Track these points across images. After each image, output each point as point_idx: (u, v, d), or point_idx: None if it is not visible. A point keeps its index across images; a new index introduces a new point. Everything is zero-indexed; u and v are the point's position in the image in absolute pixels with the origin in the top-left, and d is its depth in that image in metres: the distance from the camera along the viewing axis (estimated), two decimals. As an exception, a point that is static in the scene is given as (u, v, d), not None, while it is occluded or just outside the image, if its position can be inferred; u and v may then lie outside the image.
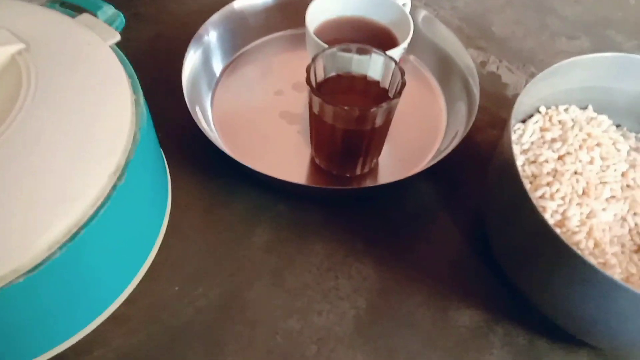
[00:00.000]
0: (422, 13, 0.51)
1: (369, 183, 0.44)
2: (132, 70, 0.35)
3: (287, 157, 0.44)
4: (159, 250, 0.38)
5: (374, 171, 0.45)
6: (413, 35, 0.44)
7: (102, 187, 0.29)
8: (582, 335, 0.35)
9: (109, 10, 0.39)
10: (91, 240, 0.29)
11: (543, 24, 0.58)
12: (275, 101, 0.48)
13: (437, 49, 0.50)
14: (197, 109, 0.45)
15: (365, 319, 0.37)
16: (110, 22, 0.38)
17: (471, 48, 0.54)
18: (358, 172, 0.44)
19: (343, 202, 0.43)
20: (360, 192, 0.42)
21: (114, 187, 0.29)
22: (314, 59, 0.39)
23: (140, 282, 0.37)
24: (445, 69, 0.49)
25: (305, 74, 0.37)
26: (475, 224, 0.42)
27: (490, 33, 0.56)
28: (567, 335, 0.35)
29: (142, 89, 0.35)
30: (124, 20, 0.39)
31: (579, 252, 0.30)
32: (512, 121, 0.39)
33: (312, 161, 0.45)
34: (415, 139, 0.46)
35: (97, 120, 0.31)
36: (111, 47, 0.36)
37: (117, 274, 0.35)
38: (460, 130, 0.44)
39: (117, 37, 0.36)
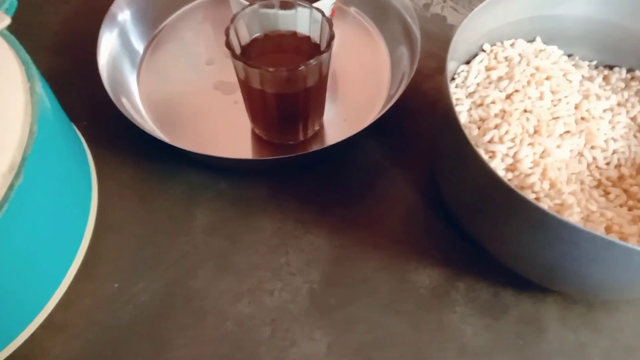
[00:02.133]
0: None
1: (314, 148, 0.41)
2: (27, 56, 0.32)
3: (224, 131, 0.41)
4: (90, 247, 0.35)
5: (319, 134, 0.42)
6: None
7: (-5, 190, 0.26)
8: (547, 283, 0.33)
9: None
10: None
11: (488, -43, 0.54)
12: (207, 72, 0.44)
13: (376, -5, 0.47)
14: (121, 93, 0.41)
15: (320, 292, 0.35)
16: (-2, 4, 0.34)
17: (413, -10, 0.50)
18: (301, 138, 0.41)
19: (289, 172, 0.40)
20: (304, 159, 0.39)
21: (10, 186, 0.26)
22: (232, 20, 0.35)
23: (74, 283, 0.34)
24: (384, 16, 0.46)
25: (224, 38, 0.34)
26: (428, 177, 0.40)
27: (432, -28, 0.52)
28: (532, 284, 0.34)
29: (51, 77, 0.31)
30: (15, 1, 0.35)
31: (529, 197, 0.28)
32: (452, 63, 0.36)
33: (253, 132, 0.42)
34: (360, 94, 0.43)
35: (-17, 115, 0.27)
36: (0, 33, 0.32)
37: (42, 277, 0.32)
38: (405, 78, 0.41)
39: (7, 21, 0.33)
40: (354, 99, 0.43)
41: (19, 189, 0.27)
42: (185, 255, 0.36)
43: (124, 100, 0.41)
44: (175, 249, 0.36)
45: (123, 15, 0.44)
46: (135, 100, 0.42)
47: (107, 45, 0.42)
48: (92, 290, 0.34)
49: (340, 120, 0.42)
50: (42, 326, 0.33)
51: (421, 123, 0.42)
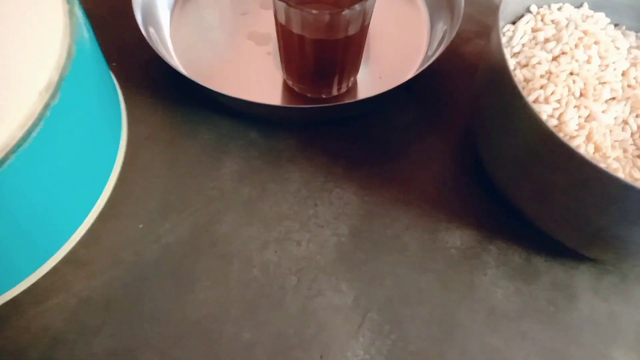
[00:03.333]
0: None
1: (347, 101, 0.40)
2: (66, -21, 0.31)
3: (256, 81, 0.40)
4: (117, 185, 0.35)
5: (352, 91, 0.41)
6: None
7: (31, 107, 0.25)
8: (584, 249, 0.32)
9: None
10: (25, 168, 0.25)
11: None
12: (241, 22, 0.43)
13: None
14: (154, 33, 0.40)
15: (348, 246, 0.34)
16: None
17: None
18: (335, 92, 0.40)
19: (320, 125, 0.39)
20: (337, 111, 0.38)
21: (46, 105, 0.25)
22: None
23: (99, 220, 0.34)
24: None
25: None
26: (464, 139, 0.39)
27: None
28: (566, 251, 0.33)
29: (90, 13, 0.30)
30: None
31: (579, 151, 0.27)
32: (501, 23, 0.35)
33: (285, 84, 0.41)
34: (397, 54, 0.42)
35: (22, 31, 0.26)
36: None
37: (66, 211, 0.31)
38: (445, 39, 0.40)
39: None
40: (390, 58, 0.42)
41: (53, 109, 0.26)
42: (212, 200, 0.35)
43: (156, 39, 0.40)
44: (202, 194, 0.35)
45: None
46: (167, 43, 0.41)
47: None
48: (117, 229, 0.34)
49: (375, 77, 0.41)
50: (65, 260, 0.32)
51: (458, 86, 0.41)
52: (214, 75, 0.40)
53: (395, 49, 0.43)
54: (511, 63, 0.35)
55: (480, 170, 0.36)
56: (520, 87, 0.33)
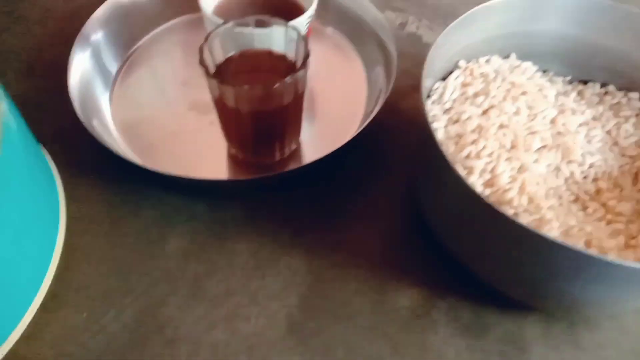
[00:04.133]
0: (333, -21, 0.47)
1: (292, 166, 0.40)
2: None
3: (200, 152, 0.40)
4: (57, 273, 0.34)
5: (296, 153, 0.41)
6: (329, 5, 0.41)
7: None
8: (529, 301, 0.33)
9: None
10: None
11: (461, -24, 0.55)
12: (182, 93, 0.44)
13: (353, 15, 0.47)
14: (93, 115, 0.40)
15: (298, 317, 0.33)
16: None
17: (388, 10, 0.51)
18: (277, 157, 0.40)
19: (266, 192, 0.39)
20: (280, 178, 0.38)
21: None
22: (207, 38, 0.35)
23: (40, 313, 0.33)
24: (360, 35, 0.46)
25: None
26: (407, 195, 0.39)
27: (407, -9, 0.53)
28: (514, 302, 0.33)
29: (22, 99, 0.30)
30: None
31: (508, 213, 0.27)
32: (428, 80, 0.36)
33: (229, 153, 0.41)
34: (338, 113, 0.43)
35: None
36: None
37: (3, 306, 0.30)
38: (381, 96, 0.41)
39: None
40: (331, 118, 0.43)
41: (-22, 215, 0.25)
42: (157, 281, 0.34)
43: (95, 122, 0.40)
44: (147, 275, 0.35)
45: (96, 36, 0.43)
46: (108, 123, 0.41)
47: (79, 67, 0.41)
48: (60, 320, 0.33)
49: (318, 138, 0.42)
50: (5, 359, 0.31)
51: (399, 141, 0.42)
52: (157, 150, 0.40)
53: (336, 109, 0.43)
54: (443, 119, 0.36)
55: (425, 227, 0.37)
56: (450, 146, 0.34)
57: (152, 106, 0.43)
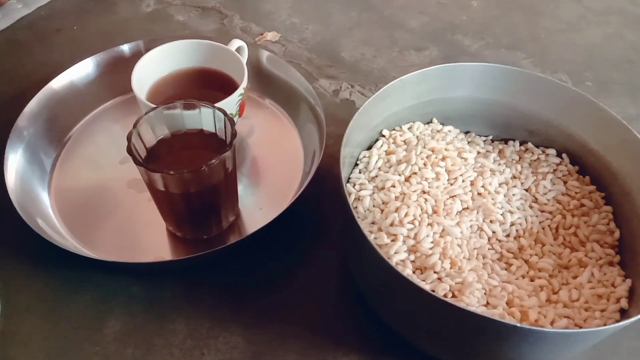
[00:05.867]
0: (265, 54, 0.50)
1: (230, 240, 0.41)
2: None
3: (138, 231, 0.41)
4: (-10, 370, 0.34)
5: (234, 225, 0.42)
6: (264, 79, 0.42)
7: None
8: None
9: None
10: None
11: (392, 40, 0.58)
12: (120, 171, 0.44)
13: (287, 87, 0.49)
14: (30, 205, 0.40)
15: (237, 394, 0.34)
16: None
17: (322, 78, 0.53)
18: (215, 231, 0.41)
19: (204, 267, 0.40)
20: (214, 254, 0.39)
21: None
22: (135, 125, 0.36)
23: (-30, 414, 0.32)
24: (296, 106, 0.48)
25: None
26: (342, 261, 0.40)
27: (340, 59, 0.55)
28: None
29: None
30: None
31: (421, 284, 0.28)
32: (356, 150, 0.38)
33: (167, 229, 0.41)
34: (276, 182, 0.44)
35: None
36: None
37: None
38: (315, 161, 0.43)
39: None
40: (269, 187, 0.44)
41: None
42: (95, 367, 0.34)
43: (33, 212, 0.40)
44: (85, 362, 0.35)
45: (29, 130, 0.44)
46: (46, 209, 0.42)
47: (14, 163, 0.42)
48: (-8, 418, 0.32)
49: (257, 208, 0.43)
50: None
51: (334, 207, 0.43)
52: (96, 232, 0.41)
53: (274, 177, 0.45)
54: (369, 187, 0.37)
55: (360, 294, 0.37)
56: (376, 214, 0.35)
57: (90, 189, 0.43)
